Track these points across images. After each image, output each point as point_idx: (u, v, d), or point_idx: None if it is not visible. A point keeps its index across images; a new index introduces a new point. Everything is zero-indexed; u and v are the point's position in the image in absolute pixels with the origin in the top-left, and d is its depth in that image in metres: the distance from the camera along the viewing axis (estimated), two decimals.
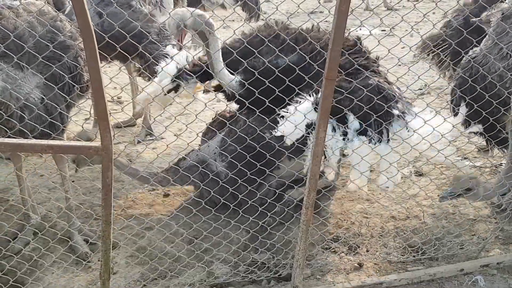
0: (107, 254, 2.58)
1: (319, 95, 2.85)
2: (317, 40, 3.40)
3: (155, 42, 4.07)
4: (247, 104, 2.96)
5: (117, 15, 3.64)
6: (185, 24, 3.42)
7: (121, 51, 2.72)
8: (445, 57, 4.01)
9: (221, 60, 3.43)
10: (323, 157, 3.14)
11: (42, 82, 2.89)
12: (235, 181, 3.31)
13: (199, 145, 3.95)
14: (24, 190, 3.44)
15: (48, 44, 2.77)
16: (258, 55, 3.00)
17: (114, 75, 2.62)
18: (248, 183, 3.30)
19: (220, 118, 3.92)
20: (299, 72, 2.93)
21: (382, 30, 8.02)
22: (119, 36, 2.71)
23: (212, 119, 4.04)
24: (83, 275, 3.14)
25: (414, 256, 3.31)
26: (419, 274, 3.13)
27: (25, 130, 2.73)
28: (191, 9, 3.54)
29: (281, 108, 3.10)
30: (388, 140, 3.23)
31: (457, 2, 4.01)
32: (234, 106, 3.87)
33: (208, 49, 3.41)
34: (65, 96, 2.94)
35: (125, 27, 2.89)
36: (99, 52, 2.12)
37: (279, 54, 3.34)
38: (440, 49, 4.09)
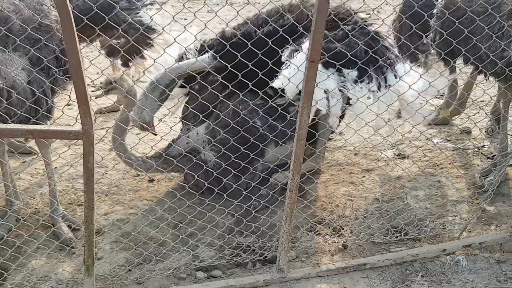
0: (90, 240, 2.56)
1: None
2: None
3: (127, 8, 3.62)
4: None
5: None
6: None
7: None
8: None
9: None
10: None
11: (27, 65, 2.85)
12: (221, 166, 3.29)
13: (180, 128, 3.90)
14: (6, 175, 3.39)
15: (34, 27, 2.73)
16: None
17: (93, 58, 2.58)
18: (234, 167, 3.29)
19: (204, 102, 3.87)
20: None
21: (367, 14, 8.00)
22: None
23: (192, 100, 3.97)
24: (67, 261, 3.12)
25: (397, 237, 3.34)
26: (402, 254, 3.17)
27: (6, 116, 2.68)
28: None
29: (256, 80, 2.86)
30: (386, 86, 3.32)
31: None
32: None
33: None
34: (50, 79, 2.90)
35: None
36: (78, 34, 2.08)
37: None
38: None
